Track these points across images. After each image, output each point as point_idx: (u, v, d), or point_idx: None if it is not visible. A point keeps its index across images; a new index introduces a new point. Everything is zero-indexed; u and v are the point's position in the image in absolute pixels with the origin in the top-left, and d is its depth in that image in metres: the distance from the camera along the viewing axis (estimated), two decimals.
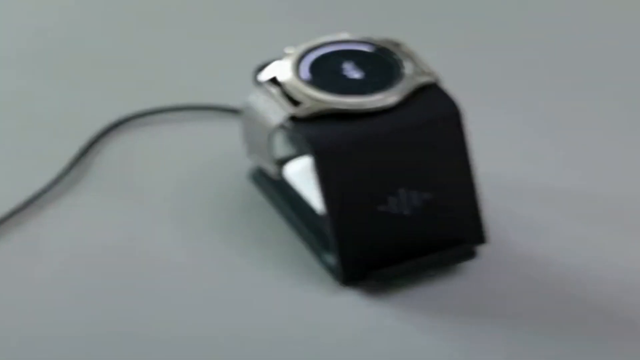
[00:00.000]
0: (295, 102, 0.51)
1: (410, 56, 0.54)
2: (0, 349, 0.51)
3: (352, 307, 0.53)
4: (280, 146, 0.65)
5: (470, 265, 0.55)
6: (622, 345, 0.51)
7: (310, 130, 0.50)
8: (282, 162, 0.58)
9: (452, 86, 0.54)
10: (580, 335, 0.51)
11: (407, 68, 0.53)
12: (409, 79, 0.52)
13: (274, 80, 0.53)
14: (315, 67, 0.53)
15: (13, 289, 0.54)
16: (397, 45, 0.55)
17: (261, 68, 0.54)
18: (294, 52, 0.54)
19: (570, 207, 0.60)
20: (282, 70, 0.53)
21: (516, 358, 0.50)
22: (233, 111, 0.68)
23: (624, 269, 0.55)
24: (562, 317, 0.52)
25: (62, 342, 0.51)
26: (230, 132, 0.62)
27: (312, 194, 0.51)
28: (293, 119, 0.51)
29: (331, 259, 0.54)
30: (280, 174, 0.56)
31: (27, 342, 0.51)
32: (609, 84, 0.73)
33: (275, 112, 0.51)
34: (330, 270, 0.55)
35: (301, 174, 0.57)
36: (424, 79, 0.52)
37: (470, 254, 0.54)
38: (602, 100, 0.71)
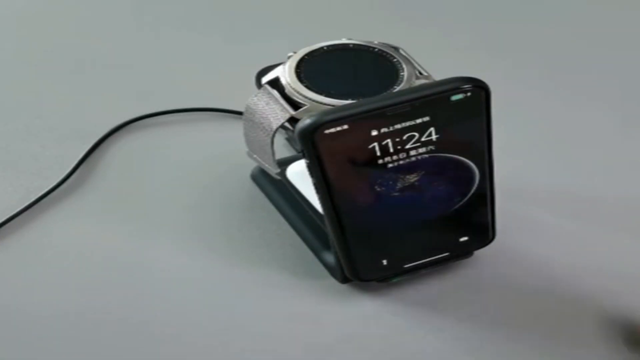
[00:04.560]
0: (295, 105, 0.52)
1: (408, 60, 0.54)
2: (2, 349, 0.51)
3: (350, 304, 0.54)
4: (281, 147, 0.66)
5: (466, 264, 0.55)
6: (619, 342, 0.51)
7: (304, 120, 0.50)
8: (283, 162, 0.58)
9: None
10: (578, 335, 0.52)
11: (405, 71, 0.53)
12: (407, 82, 0.52)
13: (275, 83, 0.53)
14: (315, 70, 0.53)
15: (17, 290, 0.55)
16: (395, 49, 0.55)
17: (263, 71, 0.55)
18: (295, 55, 0.54)
19: (568, 207, 0.60)
20: (283, 73, 0.53)
21: (512, 354, 0.51)
22: (235, 113, 0.68)
23: (623, 268, 0.56)
24: (559, 315, 0.53)
25: (65, 343, 0.52)
26: (232, 134, 0.63)
27: (312, 194, 0.51)
28: (293, 121, 0.51)
29: (331, 258, 0.55)
30: (280, 174, 0.56)
31: (30, 342, 0.51)
32: (609, 86, 0.74)
33: (276, 114, 0.52)
34: (330, 269, 0.55)
35: (301, 174, 0.57)
36: (421, 82, 0.53)
37: (467, 253, 0.54)
38: (603, 102, 0.72)
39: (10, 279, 0.55)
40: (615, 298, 0.54)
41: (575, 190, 0.62)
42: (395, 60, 0.54)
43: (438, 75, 0.52)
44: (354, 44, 0.56)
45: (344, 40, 0.56)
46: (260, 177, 0.62)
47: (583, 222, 0.59)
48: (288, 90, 0.52)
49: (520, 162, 0.64)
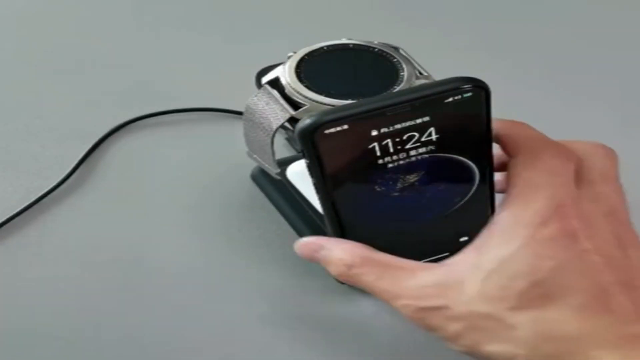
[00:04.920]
0: (295, 105, 0.52)
1: (408, 60, 0.54)
2: (3, 349, 0.51)
3: (350, 304, 0.54)
4: (281, 147, 0.66)
5: None
6: None
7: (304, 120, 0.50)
8: (283, 162, 0.59)
9: None
10: None
11: (405, 71, 0.53)
12: (407, 82, 0.52)
13: (275, 83, 0.53)
14: (315, 70, 0.53)
15: (17, 290, 0.55)
16: (395, 49, 0.55)
17: (263, 71, 0.55)
18: (295, 55, 0.54)
19: None
20: (283, 73, 0.53)
21: None
22: (235, 113, 0.68)
23: None
24: None
25: (65, 342, 0.52)
26: (232, 134, 0.63)
27: (312, 194, 0.51)
28: (293, 121, 0.51)
29: None
30: (280, 174, 0.56)
31: (30, 342, 0.52)
32: (609, 86, 0.74)
33: (276, 114, 0.52)
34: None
35: (301, 174, 0.57)
36: (421, 82, 0.53)
37: None
38: (603, 102, 0.72)
39: (10, 279, 0.55)
40: None
41: None
42: (395, 60, 0.54)
43: (438, 75, 0.52)
44: (354, 44, 0.56)
45: (344, 40, 0.56)
46: (260, 177, 0.62)
47: None
48: (288, 90, 0.52)
49: None
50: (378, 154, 0.48)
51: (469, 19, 0.84)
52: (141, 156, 0.66)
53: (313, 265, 0.56)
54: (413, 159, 0.49)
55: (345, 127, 0.47)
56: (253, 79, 0.55)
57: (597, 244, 0.42)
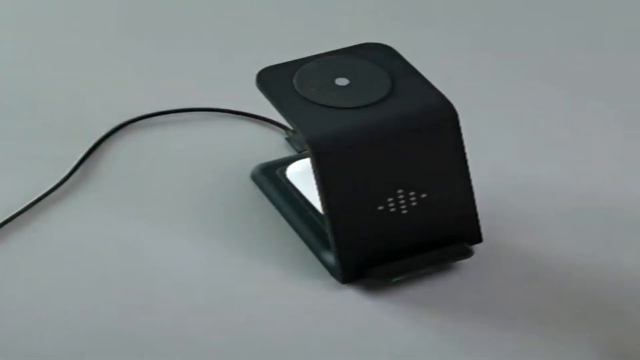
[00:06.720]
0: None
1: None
2: (3, 349, 0.51)
3: (350, 304, 0.54)
4: (281, 147, 0.66)
5: (466, 263, 0.55)
6: (617, 339, 0.51)
7: (309, 125, 0.51)
8: (283, 163, 0.59)
9: (451, 88, 0.55)
10: (575, 331, 0.52)
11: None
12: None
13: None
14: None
15: (17, 290, 0.55)
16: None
17: (263, 71, 0.55)
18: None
19: (564, 205, 0.60)
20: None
21: (512, 353, 0.51)
22: (235, 113, 0.68)
23: (618, 264, 0.56)
24: (557, 313, 0.53)
25: (66, 342, 0.52)
26: (232, 134, 0.63)
27: (312, 194, 0.51)
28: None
29: (331, 258, 0.55)
30: (280, 174, 0.57)
31: (30, 342, 0.52)
32: (609, 86, 0.73)
33: None
34: (330, 269, 0.55)
35: (302, 174, 0.57)
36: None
37: (466, 252, 0.55)
38: (596, 101, 0.72)
39: (11, 279, 0.55)
40: (611, 293, 0.54)
41: (575, 189, 0.62)
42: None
43: (438, 75, 0.53)
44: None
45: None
46: (260, 177, 0.62)
47: (582, 221, 0.59)
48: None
49: (520, 161, 0.64)
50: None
51: (469, 19, 0.84)
52: (141, 156, 0.65)
53: (313, 265, 0.56)
54: None
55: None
56: (253, 79, 0.55)
57: None
